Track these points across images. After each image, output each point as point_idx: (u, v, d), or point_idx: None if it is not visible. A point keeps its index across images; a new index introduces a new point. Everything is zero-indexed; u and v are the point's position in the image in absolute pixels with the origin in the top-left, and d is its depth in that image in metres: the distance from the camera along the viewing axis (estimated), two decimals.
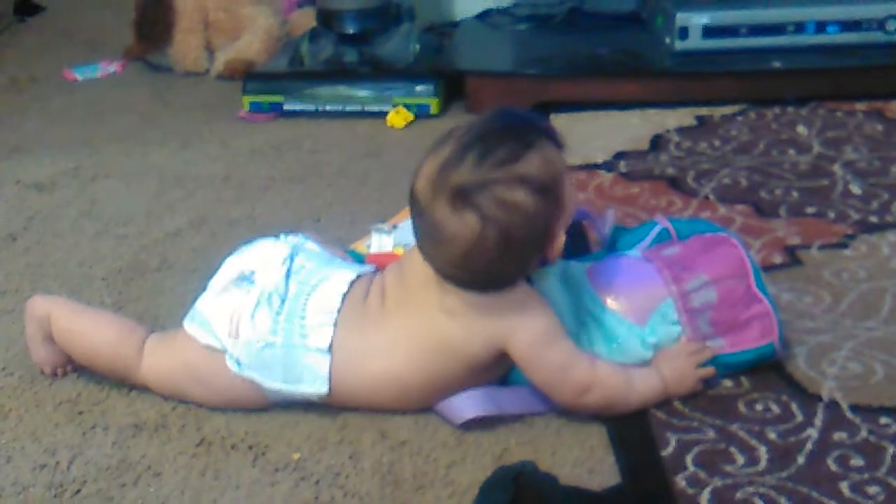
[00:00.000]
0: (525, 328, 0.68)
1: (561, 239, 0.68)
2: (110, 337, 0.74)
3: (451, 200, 0.65)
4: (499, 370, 0.72)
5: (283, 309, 0.71)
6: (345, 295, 0.71)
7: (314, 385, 0.70)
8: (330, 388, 0.70)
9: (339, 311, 0.70)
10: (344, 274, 0.73)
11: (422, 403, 0.72)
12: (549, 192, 0.66)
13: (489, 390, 0.72)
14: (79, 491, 0.67)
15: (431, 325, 0.69)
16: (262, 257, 0.74)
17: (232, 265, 0.74)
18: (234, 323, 0.71)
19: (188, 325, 0.74)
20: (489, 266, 0.67)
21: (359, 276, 0.73)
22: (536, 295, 0.70)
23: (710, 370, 0.72)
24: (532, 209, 0.65)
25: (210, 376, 0.72)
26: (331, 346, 0.70)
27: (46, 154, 1.21)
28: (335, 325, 0.70)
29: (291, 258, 0.74)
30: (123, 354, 0.74)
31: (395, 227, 0.94)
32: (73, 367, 0.78)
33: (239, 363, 0.71)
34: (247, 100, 1.31)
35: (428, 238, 0.67)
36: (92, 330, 0.75)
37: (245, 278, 0.73)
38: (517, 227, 0.65)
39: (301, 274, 0.73)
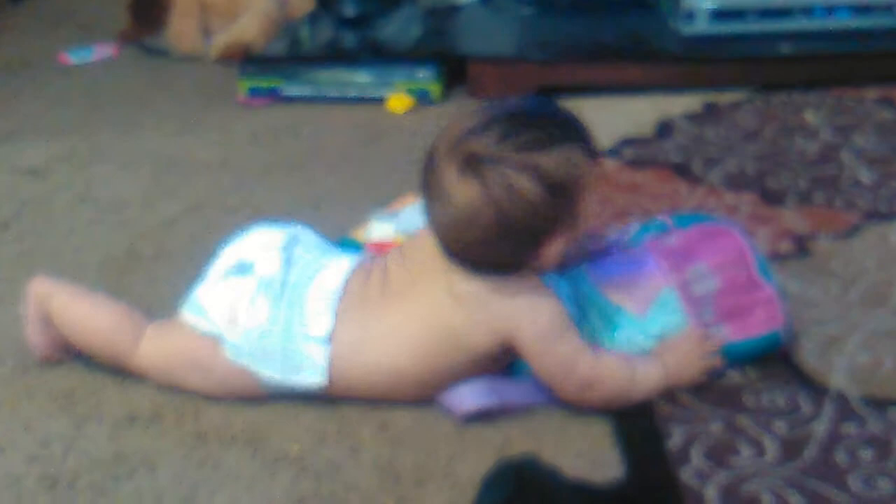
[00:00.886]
0: (531, 321, 0.67)
1: (557, 247, 0.66)
2: (107, 321, 0.74)
3: (462, 165, 0.65)
4: (503, 362, 0.71)
5: (283, 297, 0.70)
6: (344, 284, 0.71)
7: (312, 375, 0.69)
8: (328, 379, 0.69)
9: (338, 299, 0.70)
10: (343, 262, 0.73)
11: (422, 395, 0.71)
12: (562, 192, 0.65)
13: (492, 382, 0.71)
14: (73, 483, 0.66)
15: (435, 312, 0.68)
16: (261, 246, 0.73)
17: (230, 254, 0.74)
18: (233, 310, 0.70)
19: (186, 312, 0.73)
20: (478, 244, 0.66)
21: (359, 264, 0.73)
22: (544, 287, 0.69)
23: (715, 360, 0.71)
24: (536, 201, 0.64)
25: (207, 364, 0.71)
26: (330, 336, 0.69)
27: (40, 139, 1.20)
28: (335, 314, 0.69)
29: (290, 247, 0.73)
30: (119, 339, 0.73)
31: (395, 213, 0.93)
32: (66, 354, 0.77)
33: (236, 350, 0.70)
34: (245, 84, 1.29)
35: (432, 195, 0.67)
36: (90, 313, 0.75)
37: (244, 267, 0.72)
38: (515, 213, 0.64)
39: (300, 263, 0.72)
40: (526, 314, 0.67)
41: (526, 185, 0.64)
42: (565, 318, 0.68)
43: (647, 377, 0.70)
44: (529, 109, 0.67)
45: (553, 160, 0.65)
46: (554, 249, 0.67)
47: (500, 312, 0.68)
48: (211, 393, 0.72)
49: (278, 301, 0.70)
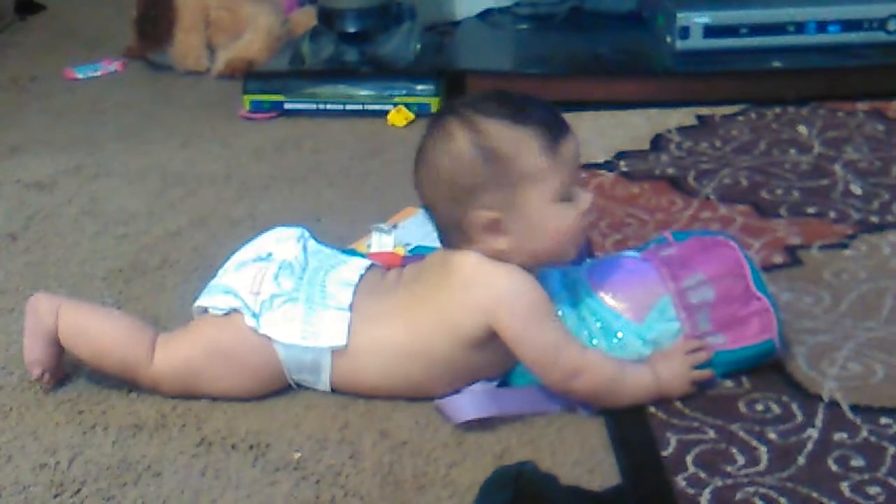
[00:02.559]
0: (513, 302, 0.69)
1: (486, 220, 0.68)
2: (120, 334, 0.74)
3: (436, 114, 0.72)
4: (497, 359, 0.72)
5: (304, 277, 0.73)
6: (362, 275, 0.74)
7: (332, 337, 0.71)
8: (347, 343, 0.71)
9: (357, 284, 0.73)
10: (360, 261, 0.77)
11: (423, 386, 0.72)
12: (493, 160, 0.68)
13: (490, 391, 0.72)
14: (79, 490, 0.67)
15: (431, 294, 0.71)
16: (277, 239, 0.77)
17: (247, 249, 0.77)
18: (258, 282, 0.73)
19: (203, 299, 0.74)
20: (429, 186, 0.70)
21: (373, 265, 0.77)
22: (528, 275, 0.71)
23: (706, 373, 0.72)
24: (462, 156, 0.68)
25: (227, 344, 0.72)
26: (350, 306, 0.72)
27: (47, 153, 1.21)
28: (354, 293, 0.72)
29: (304, 239, 0.77)
30: (133, 352, 0.74)
31: (395, 226, 0.94)
32: (61, 375, 0.77)
33: (258, 318, 0.72)
34: (248, 99, 1.31)
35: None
36: (102, 326, 0.75)
37: (262, 257, 0.75)
38: (444, 160, 0.69)
39: (319, 255, 0.76)
40: (509, 295, 0.69)
41: (460, 138, 0.68)
42: (550, 307, 0.70)
43: (636, 380, 0.71)
44: (526, 95, 0.71)
45: (498, 129, 0.68)
46: (482, 221, 0.68)
47: (484, 293, 0.70)
48: (228, 385, 0.73)
49: (300, 280, 0.73)
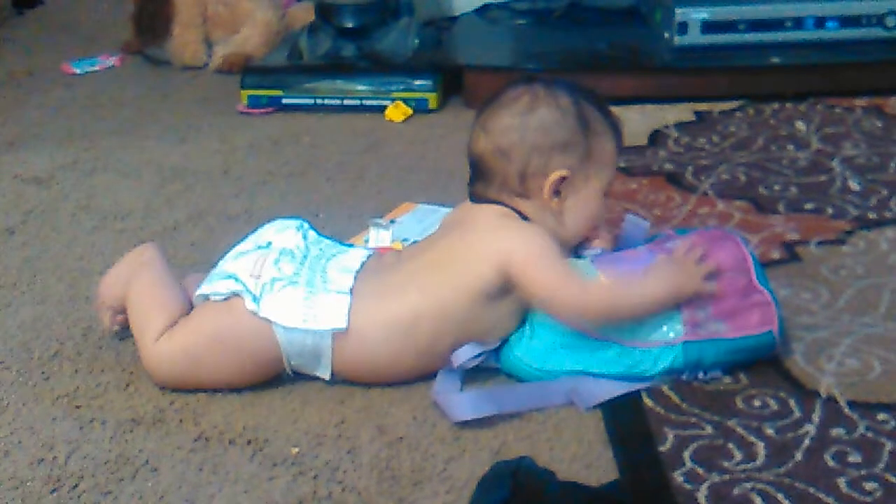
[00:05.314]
0: (525, 245, 0.73)
1: (559, 178, 0.74)
2: (157, 295, 0.76)
3: (517, 80, 0.78)
4: (503, 318, 0.73)
5: (305, 262, 0.74)
6: (363, 263, 0.75)
7: (333, 320, 0.72)
8: (348, 325, 0.71)
9: (358, 270, 0.74)
10: (359, 251, 0.78)
11: (430, 349, 0.72)
12: (586, 129, 0.75)
13: (489, 390, 0.73)
14: (76, 485, 0.67)
15: (443, 254, 0.74)
16: (276, 230, 0.78)
17: (247, 241, 0.78)
18: (258, 267, 0.74)
19: (204, 287, 0.75)
20: (503, 132, 0.75)
21: (374, 253, 0.78)
22: (541, 228, 0.75)
23: (712, 265, 0.73)
24: (565, 110, 0.75)
25: (226, 329, 0.73)
26: (351, 290, 0.73)
27: (44, 148, 1.21)
28: (355, 279, 0.73)
29: (303, 229, 0.78)
30: (152, 318, 0.74)
31: (392, 221, 0.94)
32: (118, 321, 0.79)
33: (258, 301, 0.72)
34: (245, 94, 1.31)
35: (483, 106, 0.78)
36: (148, 282, 0.77)
37: (262, 247, 0.76)
38: (543, 110, 0.75)
39: (319, 245, 0.77)
40: (519, 240, 0.74)
41: (564, 97, 0.75)
42: (556, 249, 0.74)
43: (649, 284, 0.73)
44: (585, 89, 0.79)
45: (591, 109, 0.76)
46: (556, 175, 0.74)
47: (498, 240, 0.74)
48: (227, 372, 0.73)
49: (300, 265, 0.74)
